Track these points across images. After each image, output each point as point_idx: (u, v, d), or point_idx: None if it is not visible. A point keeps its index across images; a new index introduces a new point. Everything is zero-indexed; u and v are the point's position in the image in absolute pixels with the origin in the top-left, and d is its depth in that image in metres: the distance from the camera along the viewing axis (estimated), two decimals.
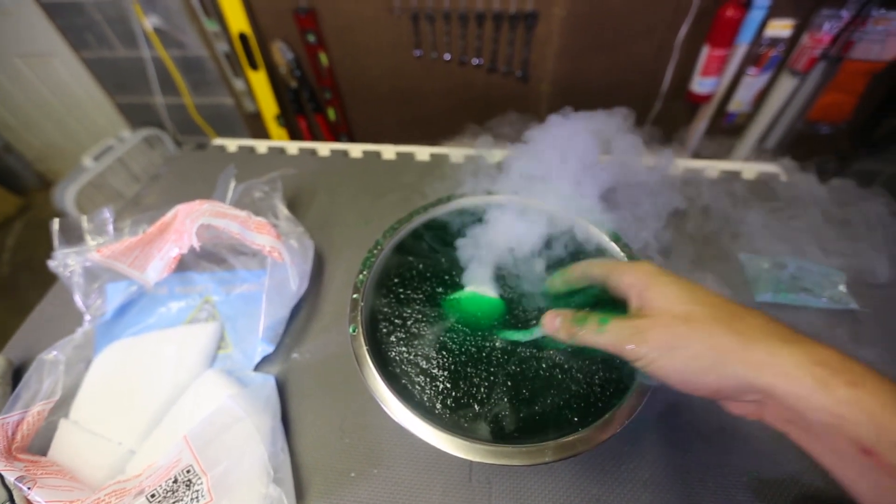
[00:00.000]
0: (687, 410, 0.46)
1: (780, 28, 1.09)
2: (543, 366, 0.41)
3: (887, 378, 0.23)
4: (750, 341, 0.25)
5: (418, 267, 0.48)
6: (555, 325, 0.34)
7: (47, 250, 0.53)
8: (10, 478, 0.39)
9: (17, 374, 0.53)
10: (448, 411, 0.39)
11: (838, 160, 1.37)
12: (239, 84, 1.48)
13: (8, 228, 1.99)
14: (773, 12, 1.07)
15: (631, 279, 0.31)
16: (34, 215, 2.05)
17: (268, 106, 1.48)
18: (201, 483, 0.39)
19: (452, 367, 0.41)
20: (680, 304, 0.27)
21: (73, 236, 0.54)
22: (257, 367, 0.52)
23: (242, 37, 1.31)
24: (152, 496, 0.37)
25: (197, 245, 0.49)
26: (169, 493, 0.38)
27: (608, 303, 0.35)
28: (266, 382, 0.49)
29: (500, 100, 1.37)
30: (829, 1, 1.04)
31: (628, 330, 0.29)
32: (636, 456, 0.44)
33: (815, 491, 0.42)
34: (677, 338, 0.26)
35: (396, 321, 0.44)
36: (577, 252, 0.48)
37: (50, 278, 0.60)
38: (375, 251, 0.48)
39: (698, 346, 0.25)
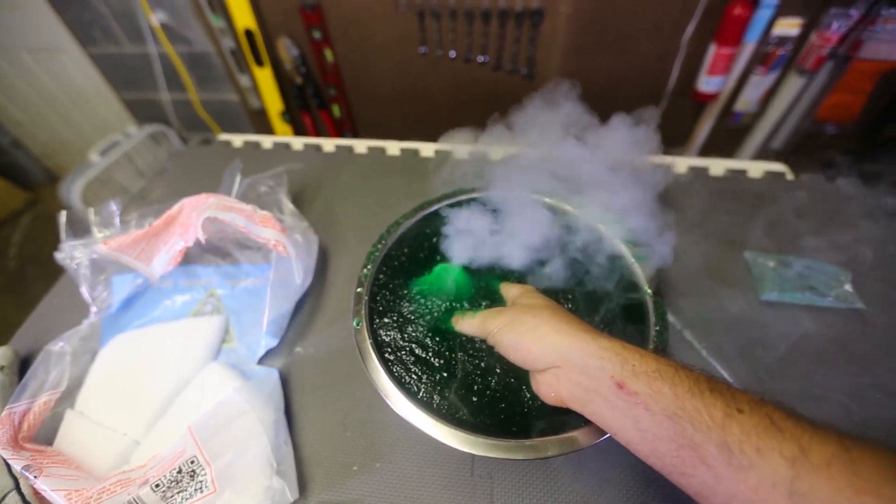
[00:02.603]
0: None
1: (788, 27, 1.08)
2: None
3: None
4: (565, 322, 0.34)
5: (422, 261, 0.48)
6: (454, 321, 0.43)
7: (54, 244, 0.54)
8: (16, 466, 0.40)
9: (23, 365, 0.54)
10: (449, 403, 0.39)
11: (846, 160, 1.36)
12: (244, 80, 1.48)
13: (15, 223, 2.00)
14: (781, 11, 1.06)
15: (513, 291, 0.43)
16: (41, 210, 2.07)
17: (273, 102, 1.48)
18: (205, 474, 0.39)
19: (454, 361, 0.41)
20: (531, 300, 0.39)
21: (80, 229, 0.54)
22: (261, 361, 0.52)
23: (248, 33, 1.31)
24: (157, 486, 0.37)
25: (203, 238, 0.49)
26: (173, 483, 0.38)
27: None
28: (270, 376, 0.49)
29: (505, 97, 1.36)
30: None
31: (485, 316, 0.39)
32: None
33: None
34: (519, 313, 0.37)
35: (399, 315, 0.44)
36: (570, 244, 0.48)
37: (56, 272, 0.61)
38: (380, 246, 0.48)
39: (529, 317, 0.36)
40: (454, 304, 0.44)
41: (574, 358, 0.31)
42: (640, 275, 0.45)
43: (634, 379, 0.28)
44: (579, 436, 0.35)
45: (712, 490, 0.25)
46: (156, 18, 1.35)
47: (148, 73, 1.53)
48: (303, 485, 0.44)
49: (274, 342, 0.52)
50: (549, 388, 0.33)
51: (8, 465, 0.41)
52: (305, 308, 0.57)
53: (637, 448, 0.28)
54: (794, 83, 1.18)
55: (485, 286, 0.45)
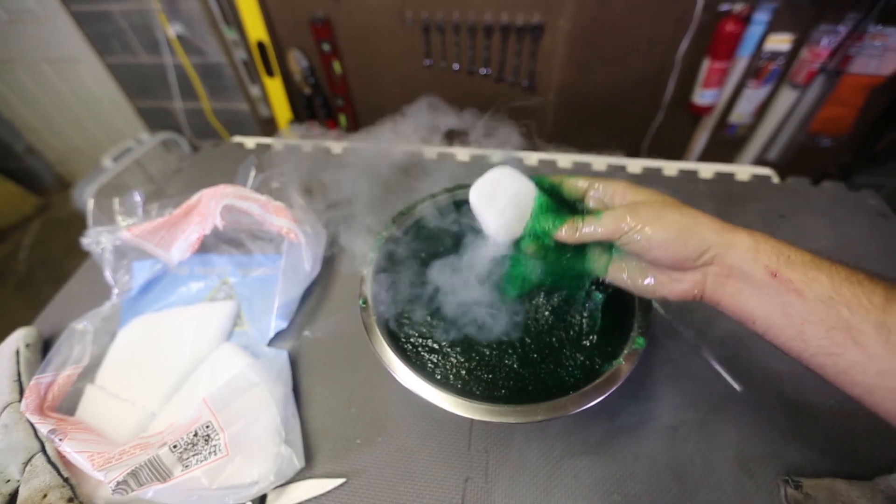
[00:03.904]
0: (679, 383, 0.49)
1: (780, 42, 1.12)
2: (548, 339, 0.43)
3: None
4: (709, 217, 0.33)
5: (425, 247, 0.51)
6: (562, 234, 0.38)
7: (63, 248, 0.57)
8: (42, 430, 0.43)
9: (45, 345, 0.57)
10: (448, 371, 0.41)
11: (840, 173, 1.39)
12: (255, 90, 1.53)
13: (26, 227, 2.04)
14: (773, 27, 1.10)
15: (610, 188, 0.38)
16: (51, 215, 2.11)
17: (282, 111, 1.54)
18: (219, 438, 0.41)
19: (454, 335, 0.44)
20: (655, 196, 0.36)
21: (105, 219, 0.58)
22: (271, 343, 0.55)
23: (260, 45, 1.37)
24: (174, 447, 0.40)
25: (221, 225, 0.53)
26: (190, 446, 0.41)
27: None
28: (279, 355, 0.52)
29: (506, 109, 1.41)
30: (826, 16, 1.08)
31: (621, 210, 0.35)
32: (627, 430, 0.47)
33: (796, 466, 0.44)
34: (660, 210, 0.34)
35: (403, 296, 0.47)
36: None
37: (64, 275, 0.65)
38: (385, 234, 0.51)
39: (676, 214, 0.33)
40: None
41: (730, 253, 0.32)
42: None
43: (790, 268, 0.29)
44: (567, 402, 0.37)
45: (861, 368, 0.27)
46: (172, 30, 1.41)
47: (162, 83, 1.59)
48: (309, 455, 0.46)
49: (284, 324, 0.55)
50: (694, 286, 0.34)
51: (35, 430, 0.44)
52: (313, 296, 0.60)
53: (779, 332, 0.30)
54: (786, 96, 1.22)
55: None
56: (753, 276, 0.31)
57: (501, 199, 0.39)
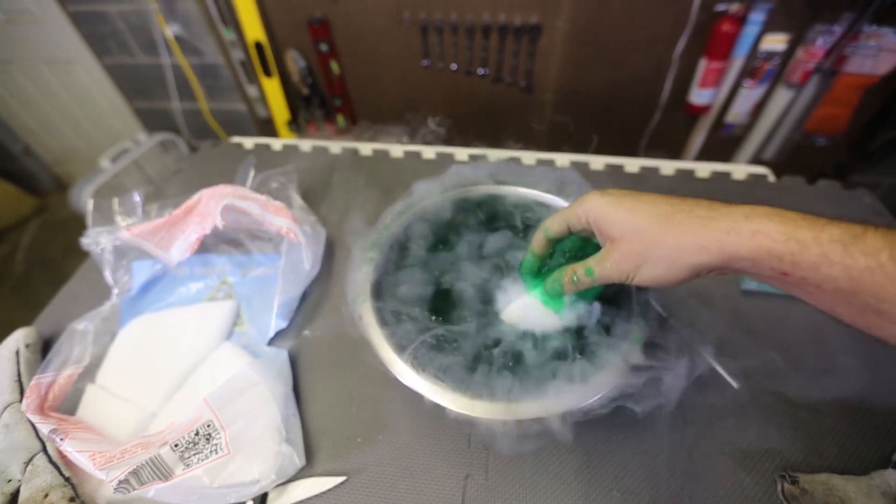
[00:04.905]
0: (677, 381, 0.49)
1: (775, 42, 1.13)
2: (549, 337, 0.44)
3: None
4: (692, 232, 0.30)
5: (422, 245, 0.52)
6: (561, 287, 0.40)
7: (61, 249, 0.57)
8: (43, 430, 0.43)
9: (45, 346, 0.57)
10: (447, 368, 0.42)
11: (835, 172, 1.40)
12: (252, 90, 1.53)
13: (23, 228, 2.04)
14: (768, 27, 1.11)
15: (583, 221, 0.36)
16: (49, 216, 2.11)
17: (280, 112, 1.54)
18: (220, 437, 0.42)
19: (450, 331, 0.44)
20: (628, 227, 0.33)
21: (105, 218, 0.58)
22: (270, 343, 0.55)
23: (258, 45, 1.37)
24: (176, 446, 0.40)
25: (221, 224, 0.53)
26: (191, 445, 0.41)
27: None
28: (279, 355, 0.52)
29: (504, 109, 1.42)
30: (821, 16, 1.08)
31: (605, 267, 0.35)
32: (625, 427, 0.47)
33: (793, 462, 0.44)
34: (639, 257, 0.32)
35: (401, 293, 0.48)
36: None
37: (62, 277, 0.65)
38: (384, 231, 0.51)
39: (657, 253, 0.31)
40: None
41: (729, 264, 0.29)
42: None
43: (799, 266, 0.26)
44: (567, 399, 0.38)
45: None
46: (170, 31, 1.41)
47: (159, 84, 1.59)
48: (310, 454, 0.47)
49: (284, 324, 0.55)
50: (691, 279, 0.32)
51: (35, 430, 0.44)
52: (313, 296, 0.60)
53: (814, 305, 0.29)
54: (782, 96, 1.22)
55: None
56: (762, 276, 0.29)
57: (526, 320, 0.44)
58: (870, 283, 0.25)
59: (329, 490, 0.44)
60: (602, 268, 0.35)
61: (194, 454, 0.41)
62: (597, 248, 0.37)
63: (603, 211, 0.34)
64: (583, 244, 0.43)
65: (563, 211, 0.39)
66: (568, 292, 0.40)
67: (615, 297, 0.46)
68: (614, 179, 0.75)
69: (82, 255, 0.62)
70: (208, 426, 0.42)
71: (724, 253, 0.29)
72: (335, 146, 0.85)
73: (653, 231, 0.31)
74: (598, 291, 0.43)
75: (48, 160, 2.07)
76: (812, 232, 0.26)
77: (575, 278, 0.37)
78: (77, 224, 0.55)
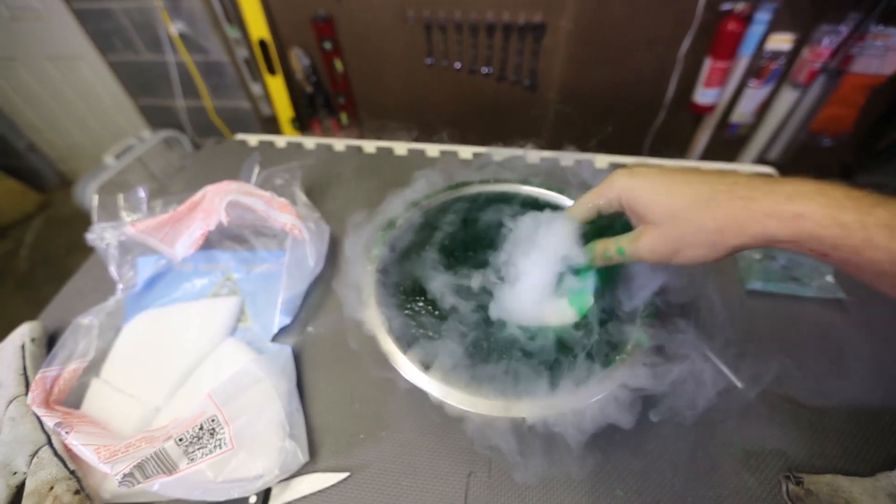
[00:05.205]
0: (682, 380, 0.49)
1: (781, 42, 1.13)
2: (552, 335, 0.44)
3: None
4: (733, 216, 0.29)
5: (428, 242, 0.52)
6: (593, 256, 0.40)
7: (65, 246, 0.57)
8: (48, 423, 0.43)
9: (50, 340, 0.57)
10: (450, 366, 0.42)
11: (841, 172, 1.40)
12: (256, 88, 1.54)
13: (27, 225, 2.05)
14: (774, 26, 1.10)
15: (615, 204, 0.36)
16: (53, 213, 2.11)
17: (283, 109, 1.54)
18: (224, 432, 0.42)
19: (452, 327, 0.44)
20: (665, 210, 0.32)
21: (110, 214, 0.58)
22: (274, 339, 0.55)
23: (262, 43, 1.37)
24: (180, 440, 0.40)
25: (225, 220, 0.53)
26: (195, 439, 0.41)
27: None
28: (283, 351, 0.52)
29: (508, 107, 1.41)
30: (828, 16, 1.08)
31: (638, 248, 0.35)
32: (629, 426, 0.47)
33: (799, 463, 0.44)
34: (678, 241, 0.32)
35: (405, 290, 0.48)
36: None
37: (65, 273, 0.65)
38: (389, 229, 0.51)
39: (699, 238, 0.31)
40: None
41: (770, 244, 0.29)
42: None
43: (837, 250, 0.26)
44: (571, 398, 0.38)
45: None
46: (174, 28, 1.41)
47: (164, 81, 1.59)
48: (313, 450, 0.47)
49: (288, 320, 0.55)
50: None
51: (41, 423, 0.44)
52: (317, 293, 0.60)
53: (855, 278, 0.28)
54: (788, 96, 1.22)
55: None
56: (803, 251, 0.28)
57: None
58: None
59: (332, 486, 0.44)
60: (635, 248, 0.35)
61: (198, 449, 0.41)
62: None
63: (637, 193, 0.34)
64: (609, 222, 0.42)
65: (588, 195, 0.39)
66: (598, 265, 0.40)
67: (620, 297, 0.45)
68: None
69: (86, 251, 0.62)
70: (212, 421, 0.42)
71: (765, 235, 0.28)
72: (339, 144, 0.85)
73: (692, 215, 0.31)
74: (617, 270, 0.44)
75: (52, 157, 2.08)
76: (858, 214, 0.26)
77: (607, 254, 0.38)
78: (81, 221, 0.55)
